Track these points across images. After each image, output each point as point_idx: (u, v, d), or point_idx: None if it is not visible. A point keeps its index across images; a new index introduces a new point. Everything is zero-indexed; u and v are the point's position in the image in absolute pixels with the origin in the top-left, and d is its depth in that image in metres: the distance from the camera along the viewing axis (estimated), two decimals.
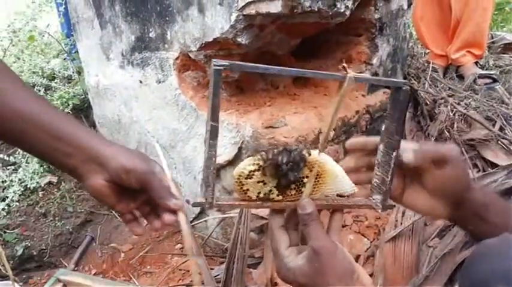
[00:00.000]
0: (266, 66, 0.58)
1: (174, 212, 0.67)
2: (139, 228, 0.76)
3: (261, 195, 0.64)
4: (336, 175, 0.66)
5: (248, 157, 0.63)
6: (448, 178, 0.66)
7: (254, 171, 0.61)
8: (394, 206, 0.71)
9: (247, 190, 0.63)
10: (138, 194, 0.72)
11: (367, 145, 0.72)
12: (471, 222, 0.70)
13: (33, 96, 0.69)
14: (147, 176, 0.68)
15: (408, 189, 0.71)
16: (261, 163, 0.61)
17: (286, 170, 0.61)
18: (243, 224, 1.25)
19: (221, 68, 0.55)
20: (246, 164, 0.62)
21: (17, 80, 0.69)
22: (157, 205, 0.71)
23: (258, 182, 0.62)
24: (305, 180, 0.64)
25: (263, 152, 0.62)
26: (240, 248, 1.22)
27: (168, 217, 0.68)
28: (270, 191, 0.63)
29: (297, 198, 0.65)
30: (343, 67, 0.60)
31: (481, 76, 2.32)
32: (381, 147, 0.68)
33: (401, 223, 1.35)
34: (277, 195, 0.64)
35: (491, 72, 2.38)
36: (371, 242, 1.37)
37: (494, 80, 2.30)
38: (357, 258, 1.32)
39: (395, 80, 0.66)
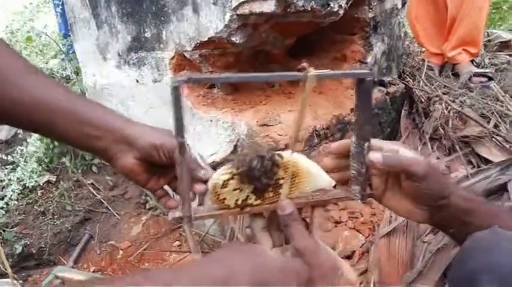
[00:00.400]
0: (227, 75, 0.59)
1: (204, 182, 0.68)
2: (171, 202, 0.78)
3: (239, 202, 0.64)
4: (311, 172, 0.67)
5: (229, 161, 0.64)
6: (420, 190, 0.67)
7: (228, 180, 0.62)
8: (373, 195, 0.72)
9: (224, 199, 0.63)
10: (167, 170, 0.75)
11: (346, 146, 0.73)
12: (453, 226, 0.71)
13: (56, 85, 0.71)
14: (174, 150, 0.71)
15: (388, 190, 0.72)
16: (234, 170, 0.61)
17: (259, 175, 0.61)
18: (239, 221, 1.27)
19: (177, 84, 0.56)
20: (219, 174, 0.62)
21: (40, 72, 0.71)
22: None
23: (234, 189, 0.63)
24: (281, 181, 0.65)
25: (234, 161, 0.62)
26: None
27: (199, 187, 0.69)
28: (247, 196, 0.64)
29: (276, 200, 0.65)
30: (303, 67, 0.60)
31: (477, 74, 2.33)
32: (353, 139, 0.69)
33: (395, 219, 1.36)
34: (255, 199, 0.64)
35: (487, 71, 2.39)
36: (366, 238, 1.38)
37: (490, 79, 2.31)
38: (352, 254, 1.33)
39: (357, 71, 0.67)
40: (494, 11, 4.36)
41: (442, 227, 0.76)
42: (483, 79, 2.32)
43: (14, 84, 0.65)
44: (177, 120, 0.57)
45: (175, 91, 0.56)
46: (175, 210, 0.66)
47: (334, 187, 0.71)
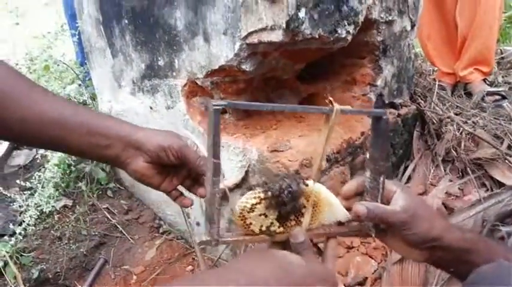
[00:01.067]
0: (260, 104, 0.61)
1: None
2: (187, 200, 0.82)
3: (263, 228, 0.65)
4: (331, 203, 0.69)
5: (250, 189, 0.66)
6: (405, 236, 0.68)
7: (256, 204, 0.63)
8: (386, 231, 0.73)
9: (250, 223, 0.65)
10: (178, 171, 0.79)
11: (357, 186, 0.74)
12: (451, 265, 0.71)
13: (61, 100, 0.73)
14: (183, 150, 0.76)
15: (388, 232, 0.72)
16: (262, 195, 0.63)
17: (286, 201, 0.63)
18: (251, 246, 1.27)
19: (220, 107, 0.59)
20: (248, 198, 0.64)
21: (46, 91, 0.74)
22: (198, 174, 0.79)
23: (260, 215, 0.64)
24: (303, 210, 0.66)
25: (264, 185, 0.64)
26: None
27: (200, 191, 0.76)
28: (272, 223, 0.65)
29: None
30: (330, 101, 0.64)
31: (490, 93, 2.32)
32: (368, 174, 0.71)
33: None
34: (278, 227, 0.66)
35: (500, 90, 2.38)
36: (378, 263, 1.38)
37: (503, 97, 2.30)
38: (364, 280, 1.32)
39: (376, 110, 0.69)
40: (508, 25, 4.33)
41: (441, 266, 0.76)
42: (496, 98, 2.31)
43: (21, 102, 0.67)
44: (214, 143, 0.60)
45: (216, 115, 0.59)
46: (203, 233, 0.67)
47: (350, 221, 0.72)
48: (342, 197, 0.74)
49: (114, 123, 0.76)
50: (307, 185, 0.65)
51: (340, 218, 0.70)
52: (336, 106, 0.62)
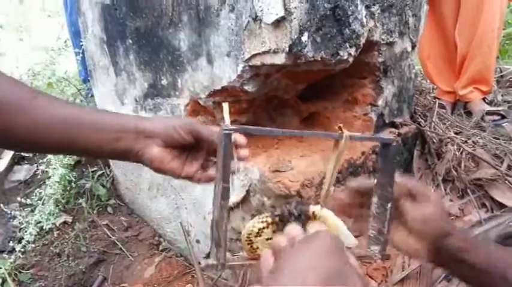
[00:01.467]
0: (270, 129, 0.62)
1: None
2: (211, 171, 0.79)
3: None
4: (338, 228, 0.69)
5: (255, 214, 0.66)
6: (425, 215, 0.69)
7: (263, 228, 0.64)
8: (390, 256, 0.73)
9: (257, 247, 0.65)
10: (195, 152, 0.77)
11: (362, 185, 0.75)
12: (450, 265, 0.73)
13: (64, 102, 0.73)
14: (194, 126, 0.74)
15: (396, 230, 0.73)
16: (269, 219, 0.64)
17: None
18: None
19: (230, 132, 0.60)
20: (255, 222, 0.65)
21: (50, 96, 0.74)
22: (214, 151, 0.74)
23: (267, 239, 0.64)
24: None
25: (272, 210, 0.65)
26: None
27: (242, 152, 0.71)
28: None
29: None
30: (339, 127, 0.65)
31: (489, 113, 2.33)
32: (375, 200, 0.72)
33: (408, 265, 1.36)
34: None
35: (499, 109, 2.39)
36: (379, 284, 1.37)
37: (503, 117, 2.31)
38: None
39: (384, 137, 0.70)
40: (508, 42, 4.36)
41: (441, 265, 0.77)
42: (496, 117, 2.32)
43: (27, 108, 0.68)
44: (224, 166, 0.60)
45: (226, 139, 0.59)
46: (209, 258, 0.67)
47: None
48: (349, 188, 0.75)
49: (120, 116, 0.75)
50: (314, 211, 0.65)
51: (347, 244, 0.71)
52: (346, 132, 0.63)
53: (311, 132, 0.66)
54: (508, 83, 3.05)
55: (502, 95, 2.80)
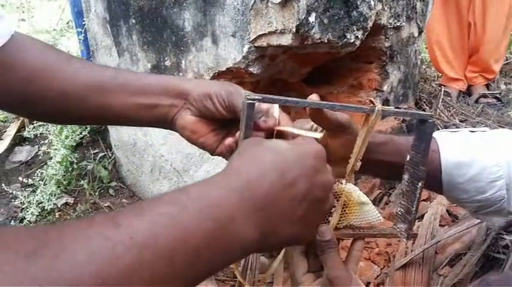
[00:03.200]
0: (296, 99, 0.59)
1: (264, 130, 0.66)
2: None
3: None
4: (362, 204, 0.67)
5: None
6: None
7: None
8: (417, 235, 0.72)
9: None
10: (231, 128, 0.69)
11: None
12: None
13: (101, 67, 0.71)
14: (231, 97, 0.66)
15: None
16: None
17: None
18: None
19: (254, 102, 0.56)
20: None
21: (84, 60, 0.72)
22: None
23: None
24: (332, 210, 0.64)
25: None
26: (250, 273, 1.24)
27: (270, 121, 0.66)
28: None
29: None
30: (371, 101, 0.62)
31: (485, 95, 2.38)
32: (406, 177, 0.69)
33: (411, 251, 1.35)
34: None
35: (495, 92, 2.44)
36: (381, 269, 1.37)
37: (499, 100, 2.36)
38: (367, 285, 1.32)
39: (421, 112, 0.67)
40: None
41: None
42: (490, 100, 2.37)
43: (62, 73, 0.65)
44: (245, 137, 0.56)
45: (250, 108, 0.55)
46: None
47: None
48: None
49: (158, 77, 0.70)
50: (337, 183, 0.63)
51: (371, 220, 0.69)
52: (378, 106, 0.61)
53: (341, 104, 0.62)
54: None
55: (505, 84, 2.79)
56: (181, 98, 0.68)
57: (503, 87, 2.69)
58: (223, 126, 0.70)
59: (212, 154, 0.72)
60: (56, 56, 0.67)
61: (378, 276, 1.35)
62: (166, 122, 0.70)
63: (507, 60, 3.20)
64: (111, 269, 0.32)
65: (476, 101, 2.42)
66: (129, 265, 0.33)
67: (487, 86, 2.63)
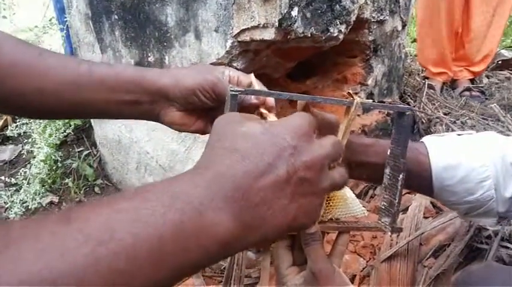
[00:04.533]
0: (279, 92, 0.59)
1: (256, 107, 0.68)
2: None
3: None
4: (346, 198, 0.67)
5: None
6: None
7: None
8: (402, 229, 0.73)
9: None
10: (218, 110, 0.67)
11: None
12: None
13: (75, 61, 0.68)
14: (216, 87, 0.66)
15: None
16: None
17: None
18: None
19: (237, 93, 0.58)
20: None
21: (56, 54, 0.69)
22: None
23: None
24: None
25: None
26: (237, 269, 1.24)
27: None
28: None
29: None
30: (349, 94, 0.63)
31: (469, 89, 2.41)
32: (387, 171, 0.70)
33: (396, 243, 1.36)
34: None
35: (479, 85, 2.47)
36: (367, 262, 1.38)
37: (482, 93, 2.40)
38: (352, 278, 1.33)
39: (399, 105, 0.68)
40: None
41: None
42: (474, 93, 2.40)
43: (34, 70, 0.63)
44: None
45: (233, 100, 0.57)
46: None
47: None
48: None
49: (134, 73, 0.67)
50: None
51: (355, 214, 0.69)
52: (357, 99, 0.61)
53: (321, 97, 0.63)
54: (495, 65, 3.06)
55: (487, 78, 2.82)
56: (161, 96, 0.67)
57: (485, 81, 2.72)
58: (210, 109, 0.70)
59: (204, 134, 0.73)
60: (27, 52, 0.65)
61: (363, 268, 1.36)
62: (151, 117, 0.70)
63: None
64: (61, 265, 0.30)
65: (460, 95, 2.45)
66: (82, 261, 0.30)
67: (472, 80, 2.66)
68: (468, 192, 0.75)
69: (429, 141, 0.79)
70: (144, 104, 0.67)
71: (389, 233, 0.72)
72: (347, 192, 0.67)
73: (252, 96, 0.68)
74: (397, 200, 0.69)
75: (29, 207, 1.75)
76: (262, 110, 0.67)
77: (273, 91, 0.60)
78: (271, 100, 0.70)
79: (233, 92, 0.57)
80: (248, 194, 0.41)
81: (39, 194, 1.79)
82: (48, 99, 0.65)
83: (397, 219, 0.71)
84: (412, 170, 0.71)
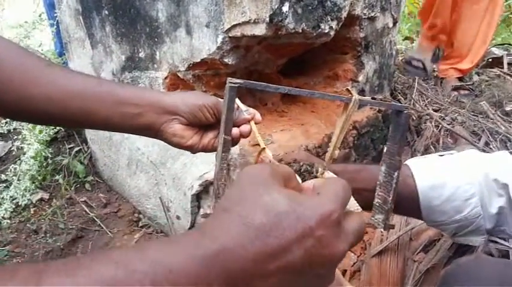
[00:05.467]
0: (276, 86, 0.61)
1: (248, 122, 0.76)
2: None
3: None
4: None
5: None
6: None
7: None
8: (394, 226, 0.73)
9: None
10: (215, 129, 0.77)
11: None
12: None
13: (80, 74, 0.72)
14: (217, 106, 0.75)
15: None
16: None
17: None
18: None
19: (236, 85, 0.59)
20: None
21: (63, 67, 0.72)
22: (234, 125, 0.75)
23: None
24: None
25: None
26: None
27: (244, 128, 0.75)
28: None
29: None
30: (348, 90, 0.63)
31: (457, 88, 2.42)
32: (383, 168, 0.70)
33: (387, 238, 1.37)
34: None
35: (468, 84, 2.49)
36: (358, 257, 1.39)
37: (471, 90, 2.41)
38: (343, 273, 1.34)
39: (397, 104, 0.69)
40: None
41: None
42: (462, 92, 2.41)
43: (43, 78, 0.66)
44: (227, 119, 0.60)
45: (231, 92, 0.59)
46: (207, 207, 0.67)
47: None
48: None
49: (141, 91, 0.74)
50: (317, 171, 0.65)
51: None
52: (355, 96, 0.62)
53: (319, 93, 0.64)
54: (485, 63, 3.08)
55: (478, 76, 2.84)
56: (167, 111, 0.73)
57: (475, 78, 2.74)
58: (208, 126, 0.78)
59: (194, 152, 0.79)
60: (37, 61, 0.67)
61: (354, 263, 1.37)
62: (152, 130, 0.74)
63: None
64: None
65: (449, 94, 2.46)
66: None
67: (460, 78, 2.67)
68: (456, 210, 0.77)
69: (412, 163, 0.82)
70: (147, 117, 0.72)
71: (382, 231, 0.73)
72: None
73: (245, 113, 0.76)
74: (391, 198, 0.69)
75: (19, 203, 1.74)
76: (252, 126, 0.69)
77: (270, 85, 0.60)
78: (258, 117, 0.79)
79: (232, 84, 0.59)
80: (253, 280, 0.35)
81: (29, 190, 1.78)
82: (55, 105, 0.66)
83: (390, 216, 0.71)
84: (400, 192, 0.71)
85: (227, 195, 0.40)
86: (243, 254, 0.34)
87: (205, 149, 0.79)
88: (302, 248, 0.36)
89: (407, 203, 0.75)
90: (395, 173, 0.68)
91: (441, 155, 0.85)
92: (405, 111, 0.66)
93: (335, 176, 0.67)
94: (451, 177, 0.77)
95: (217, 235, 0.35)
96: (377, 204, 0.72)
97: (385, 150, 0.70)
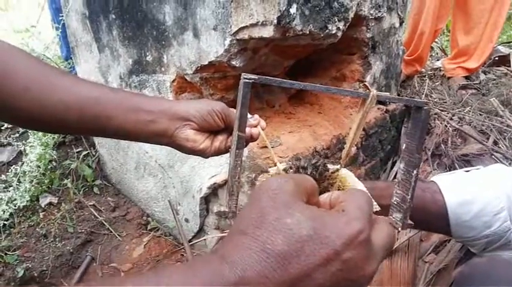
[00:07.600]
0: (292, 81, 0.60)
1: (255, 126, 0.78)
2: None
3: None
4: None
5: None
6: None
7: (285, 170, 0.63)
8: (413, 225, 0.72)
9: None
10: (226, 133, 0.80)
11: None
12: None
13: (92, 82, 0.73)
14: (225, 111, 0.77)
15: None
16: (287, 167, 0.63)
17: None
18: None
19: (250, 81, 0.58)
20: (270, 173, 0.64)
21: (70, 73, 0.72)
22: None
23: None
24: (326, 195, 0.64)
25: (289, 161, 0.64)
26: None
27: (254, 129, 0.77)
28: None
29: None
30: (365, 85, 0.62)
31: (464, 87, 2.41)
32: (402, 165, 0.69)
33: (397, 239, 1.37)
34: None
35: (475, 83, 2.47)
36: None
37: (478, 89, 2.39)
38: None
39: (416, 99, 0.68)
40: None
41: None
42: (469, 91, 2.40)
43: (59, 86, 0.67)
44: (241, 115, 0.59)
45: (246, 88, 0.58)
46: (222, 205, 0.67)
47: (376, 212, 0.71)
48: None
49: (153, 98, 0.76)
50: (329, 168, 0.64)
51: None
52: (373, 91, 0.61)
53: (336, 88, 0.63)
54: (491, 61, 3.07)
55: (485, 74, 2.82)
56: (179, 118, 0.75)
57: (482, 77, 2.72)
58: (217, 131, 0.80)
59: (206, 156, 0.80)
60: (50, 69, 0.68)
61: None
62: (165, 136, 0.75)
63: None
64: None
65: (456, 92, 2.45)
66: None
67: (467, 77, 2.66)
68: (485, 225, 0.77)
69: (439, 179, 0.81)
70: (161, 123, 0.74)
71: (400, 229, 0.71)
72: (357, 184, 0.67)
73: (251, 119, 0.78)
74: (409, 196, 0.68)
75: (18, 205, 1.74)
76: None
77: (285, 80, 0.60)
78: (263, 124, 0.81)
79: (246, 80, 0.58)
80: None
81: (29, 191, 1.78)
82: (72, 113, 0.67)
83: (408, 215, 0.70)
84: (429, 209, 0.71)
85: (245, 215, 0.37)
86: (264, 282, 0.33)
87: (218, 151, 0.80)
88: (327, 274, 0.34)
89: (437, 219, 0.75)
90: (415, 171, 0.66)
91: (467, 171, 0.85)
92: (425, 108, 0.65)
93: (351, 173, 0.67)
94: (479, 192, 0.77)
95: (236, 260, 0.34)
96: (395, 202, 0.71)
97: (403, 147, 0.69)
